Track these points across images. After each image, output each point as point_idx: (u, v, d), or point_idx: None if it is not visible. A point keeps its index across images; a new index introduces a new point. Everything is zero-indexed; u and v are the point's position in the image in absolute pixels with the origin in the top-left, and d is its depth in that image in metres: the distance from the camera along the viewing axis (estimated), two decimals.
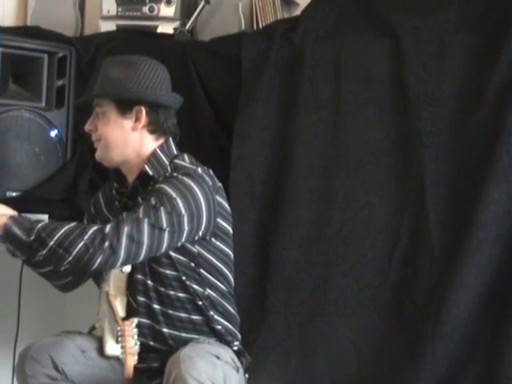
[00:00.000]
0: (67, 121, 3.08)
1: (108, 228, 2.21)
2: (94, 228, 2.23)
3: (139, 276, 2.40)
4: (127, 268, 2.37)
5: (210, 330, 2.41)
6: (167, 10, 3.28)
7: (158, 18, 3.29)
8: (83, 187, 3.04)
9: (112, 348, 2.34)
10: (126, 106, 2.43)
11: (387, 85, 2.77)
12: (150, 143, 2.47)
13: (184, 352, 2.20)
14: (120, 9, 3.30)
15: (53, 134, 3.05)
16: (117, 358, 2.34)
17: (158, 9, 3.28)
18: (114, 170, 2.56)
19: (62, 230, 2.22)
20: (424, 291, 2.65)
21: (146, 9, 3.28)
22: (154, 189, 2.35)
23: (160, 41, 3.22)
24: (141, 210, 2.26)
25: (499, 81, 2.61)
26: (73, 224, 2.26)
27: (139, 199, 2.40)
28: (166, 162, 2.43)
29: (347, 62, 2.82)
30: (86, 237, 2.20)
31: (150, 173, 2.43)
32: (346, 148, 2.80)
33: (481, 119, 2.63)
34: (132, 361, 2.18)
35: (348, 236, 2.75)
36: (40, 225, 2.24)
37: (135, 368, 2.20)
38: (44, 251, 2.23)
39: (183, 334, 2.39)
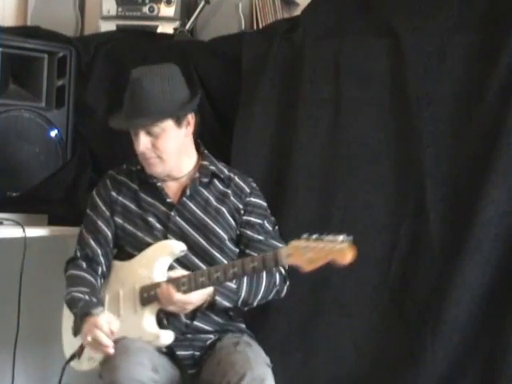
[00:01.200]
0: (67, 121, 3.09)
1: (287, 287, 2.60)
2: (283, 274, 2.57)
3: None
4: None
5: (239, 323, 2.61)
6: (167, 10, 3.28)
7: (157, 18, 3.29)
8: (83, 187, 3.04)
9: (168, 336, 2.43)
10: (183, 118, 2.52)
11: (387, 85, 2.77)
12: (192, 145, 2.61)
13: (250, 354, 2.40)
14: (120, 9, 3.31)
15: (53, 134, 3.05)
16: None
17: (158, 9, 3.28)
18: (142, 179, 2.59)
19: (263, 291, 2.52)
20: (424, 291, 2.65)
21: (145, 9, 3.29)
22: (257, 207, 2.59)
23: (160, 41, 3.22)
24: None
25: (499, 81, 2.60)
26: (264, 278, 2.52)
27: (211, 198, 2.55)
28: (216, 162, 2.63)
29: (347, 62, 2.82)
30: (281, 295, 2.59)
31: (213, 167, 2.59)
32: (346, 148, 2.80)
33: (481, 119, 2.63)
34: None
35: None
36: (243, 295, 2.49)
37: (179, 357, 2.42)
38: (245, 308, 2.55)
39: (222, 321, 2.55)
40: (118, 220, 2.58)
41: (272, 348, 2.61)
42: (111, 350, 2.31)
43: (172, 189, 2.58)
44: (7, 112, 2.95)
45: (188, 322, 2.48)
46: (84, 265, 2.57)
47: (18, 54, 2.99)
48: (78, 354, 2.46)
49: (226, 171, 2.63)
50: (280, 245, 2.54)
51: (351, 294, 2.73)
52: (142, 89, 2.46)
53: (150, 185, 2.57)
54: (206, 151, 2.65)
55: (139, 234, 2.54)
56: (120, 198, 2.60)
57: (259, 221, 2.59)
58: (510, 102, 2.58)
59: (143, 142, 2.49)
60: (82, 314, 2.39)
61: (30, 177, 3.00)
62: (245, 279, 2.49)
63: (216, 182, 2.59)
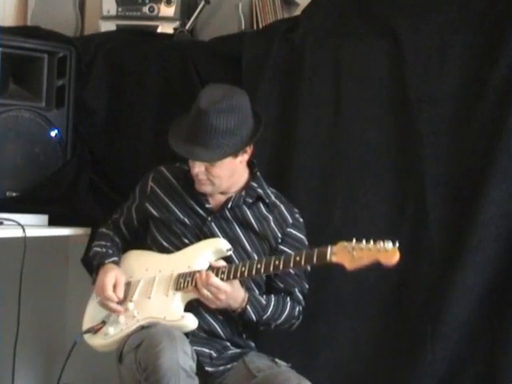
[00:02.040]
0: (67, 121, 3.08)
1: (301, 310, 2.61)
2: (300, 312, 2.60)
3: None
4: None
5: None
6: (167, 10, 3.27)
7: (158, 18, 3.28)
8: (83, 187, 3.04)
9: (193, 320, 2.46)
10: (242, 151, 2.53)
11: (387, 85, 2.77)
12: (245, 167, 2.63)
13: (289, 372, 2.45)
14: (120, 9, 3.30)
15: (53, 134, 3.05)
16: None
17: (158, 9, 3.27)
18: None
19: (284, 318, 2.55)
20: (424, 291, 2.65)
21: (145, 9, 3.28)
22: (295, 239, 2.59)
23: (160, 41, 3.22)
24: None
25: (499, 81, 2.60)
26: (288, 307, 2.56)
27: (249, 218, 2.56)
28: (266, 186, 2.65)
29: (347, 62, 2.82)
30: (296, 322, 2.60)
31: (260, 190, 2.61)
32: (346, 148, 2.80)
33: (481, 119, 2.63)
34: None
35: (348, 236, 2.74)
36: (268, 313, 2.52)
37: (196, 351, 2.41)
38: (263, 328, 2.57)
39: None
40: (151, 210, 2.63)
41: (272, 349, 2.61)
42: (112, 305, 2.48)
43: (215, 199, 2.59)
44: (7, 112, 2.95)
45: (211, 321, 2.50)
46: (112, 225, 2.75)
47: (18, 54, 2.99)
48: (96, 329, 2.52)
49: (272, 197, 2.62)
50: (305, 284, 2.60)
51: (351, 294, 2.73)
52: (208, 123, 2.44)
53: (194, 188, 2.58)
54: (258, 173, 2.64)
55: (173, 227, 2.58)
56: (159, 192, 2.63)
57: (291, 252, 2.56)
58: (510, 102, 2.58)
59: (198, 166, 2.51)
60: (97, 265, 2.57)
61: (30, 177, 2.99)
62: (273, 299, 2.52)
63: (260, 205, 2.59)
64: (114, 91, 3.14)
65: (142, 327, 2.44)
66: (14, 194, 2.96)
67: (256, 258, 2.53)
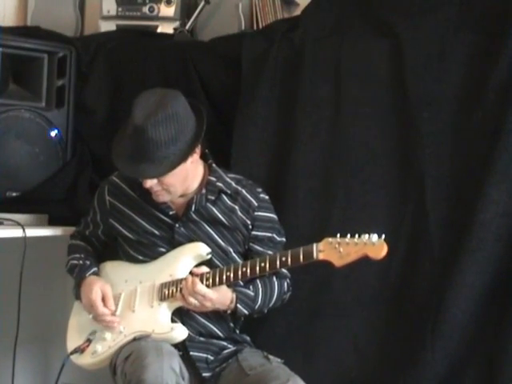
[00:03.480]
0: (67, 121, 3.08)
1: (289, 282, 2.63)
2: (289, 284, 2.62)
3: None
4: None
5: None
6: (167, 10, 3.27)
7: (158, 17, 3.28)
8: (83, 187, 3.04)
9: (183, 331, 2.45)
10: (191, 154, 2.46)
11: (387, 85, 2.77)
12: (199, 164, 2.57)
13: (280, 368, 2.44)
14: (120, 9, 3.30)
15: (53, 134, 3.05)
16: None
17: (158, 9, 3.28)
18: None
19: (274, 299, 2.57)
20: (424, 291, 2.65)
21: (145, 9, 3.28)
22: (265, 221, 2.57)
23: (160, 41, 3.22)
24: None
25: (499, 81, 2.60)
26: (276, 288, 2.56)
27: (216, 212, 2.53)
28: (224, 175, 2.60)
29: (347, 62, 2.82)
30: (287, 296, 2.62)
31: (220, 184, 2.55)
32: (346, 148, 2.80)
33: (481, 119, 2.63)
34: None
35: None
36: (259, 303, 2.51)
37: (192, 357, 2.44)
38: (257, 315, 2.57)
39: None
40: (119, 227, 2.59)
41: (272, 349, 2.61)
42: (109, 319, 2.46)
43: (176, 203, 2.56)
44: (7, 112, 2.95)
45: (206, 322, 2.50)
46: (79, 237, 2.73)
47: (18, 54, 2.99)
48: (82, 348, 2.50)
49: (233, 184, 2.58)
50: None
51: (351, 294, 2.73)
52: (148, 138, 2.36)
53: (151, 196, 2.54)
54: (213, 165, 2.60)
55: (145, 243, 2.54)
56: (119, 205, 2.60)
57: (268, 234, 2.59)
58: (510, 102, 2.58)
59: (149, 181, 2.45)
60: (78, 279, 2.57)
61: (30, 177, 2.99)
62: (260, 286, 2.51)
63: (224, 197, 2.56)
64: (113, 91, 3.14)
65: (134, 339, 2.42)
66: (13, 194, 2.96)
67: (231, 250, 2.53)
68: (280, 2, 3.23)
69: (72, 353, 2.52)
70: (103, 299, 2.49)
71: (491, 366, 2.56)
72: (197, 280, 2.38)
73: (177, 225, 2.53)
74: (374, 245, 2.26)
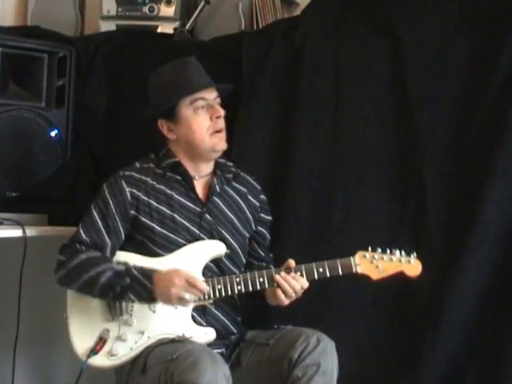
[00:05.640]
0: (67, 121, 3.08)
1: None
2: None
3: None
4: None
5: None
6: (167, 10, 3.28)
7: (158, 17, 3.29)
8: (83, 187, 3.04)
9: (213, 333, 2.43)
10: None
11: (387, 85, 2.77)
12: None
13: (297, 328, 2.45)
14: (120, 9, 3.31)
15: (53, 134, 3.05)
16: None
17: (158, 9, 3.28)
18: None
19: None
20: (424, 291, 2.65)
21: (145, 9, 3.29)
22: (266, 204, 2.63)
23: (160, 41, 3.22)
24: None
25: (499, 81, 2.61)
26: None
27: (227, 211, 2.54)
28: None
29: (347, 62, 2.82)
30: None
31: (230, 165, 2.62)
32: (346, 148, 2.80)
33: (481, 119, 2.63)
34: None
35: (348, 236, 2.75)
36: None
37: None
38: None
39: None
40: (144, 220, 2.48)
41: None
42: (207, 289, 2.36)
43: (199, 186, 2.55)
44: (7, 112, 2.95)
45: (225, 321, 2.49)
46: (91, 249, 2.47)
47: (18, 54, 2.99)
48: (97, 349, 2.38)
49: (233, 169, 2.62)
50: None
51: (351, 294, 2.73)
52: (195, 66, 2.52)
53: (178, 182, 2.52)
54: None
55: (171, 235, 2.48)
56: (144, 197, 2.50)
57: (269, 217, 2.64)
58: (510, 102, 2.58)
59: (220, 109, 2.51)
60: (148, 279, 2.35)
61: (30, 177, 2.99)
62: None
63: (233, 181, 2.59)
64: (113, 91, 3.14)
65: (174, 340, 2.36)
66: (13, 194, 2.96)
67: (247, 234, 2.56)
68: (280, 1, 3.23)
69: (90, 355, 2.38)
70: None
71: (491, 366, 2.56)
72: (303, 279, 2.39)
73: (203, 210, 2.50)
74: (410, 263, 2.37)
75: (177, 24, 3.27)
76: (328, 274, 2.38)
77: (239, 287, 2.38)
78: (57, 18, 3.37)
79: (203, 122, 2.48)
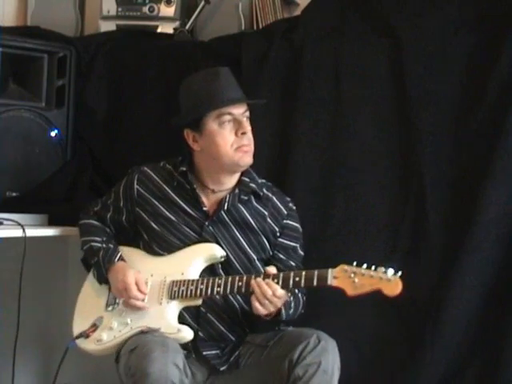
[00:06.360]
0: (67, 121, 3.08)
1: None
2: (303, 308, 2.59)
3: None
4: None
5: None
6: (167, 10, 3.27)
7: (158, 17, 3.28)
8: (83, 187, 3.04)
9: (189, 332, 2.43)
10: None
11: (387, 85, 2.77)
12: None
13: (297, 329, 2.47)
14: (120, 9, 3.30)
15: (53, 134, 3.05)
16: None
17: (158, 9, 3.27)
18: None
19: (297, 314, 2.57)
20: (424, 291, 2.65)
21: (145, 9, 3.28)
22: (292, 230, 2.59)
23: (160, 41, 3.22)
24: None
25: (499, 81, 2.61)
26: (301, 304, 2.56)
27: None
28: (256, 178, 2.62)
29: (347, 62, 2.82)
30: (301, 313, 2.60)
31: (253, 185, 2.56)
32: (346, 148, 2.80)
33: (481, 119, 2.63)
34: None
35: (348, 236, 2.75)
36: (292, 312, 2.49)
37: (206, 356, 2.45)
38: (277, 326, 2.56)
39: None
40: (145, 217, 2.55)
41: None
42: (140, 304, 2.44)
43: (209, 199, 2.54)
44: (7, 112, 2.95)
45: (221, 327, 2.49)
46: (95, 218, 2.67)
47: (18, 54, 2.99)
48: (87, 333, 2.50)
49: (264, 190, 2.57)
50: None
51: None
52: (225, 78, 2.48)
53: (186, 190, 2.53)
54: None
55: (170, 238, 2.52)
56: (147, 195, 2.56)
57: (293, 244, 2.57)
58: (510, 102, 2.58)
59: (247, 126, 2.49)
60: (106, 264, 2.52)
61: (30, 177, 2.99)
62: (292, 298, 2.47)
63: (254, 201, 2.55)
64: (113, 91, 3.14)
65: (142, 331, 2.41)
66: (13, 194, 2.96)
67: (255, 258, 2.51)
68: (280, 1, 3.23)
69: (77, 337, 2.51)
70: (136, 284, 2.46)
71: (491, 366, 2.56)
72: (276, 286, 2.33)
73: (206, 223, 2.50)
74: (390, 281, 2.23)
75: (177, 24, 3.26)
76: (303, 284, 2.32)
77: (218, 289, 2.37)
78: (57, 18, 3.36)
79: (228, 137, 2.46)
